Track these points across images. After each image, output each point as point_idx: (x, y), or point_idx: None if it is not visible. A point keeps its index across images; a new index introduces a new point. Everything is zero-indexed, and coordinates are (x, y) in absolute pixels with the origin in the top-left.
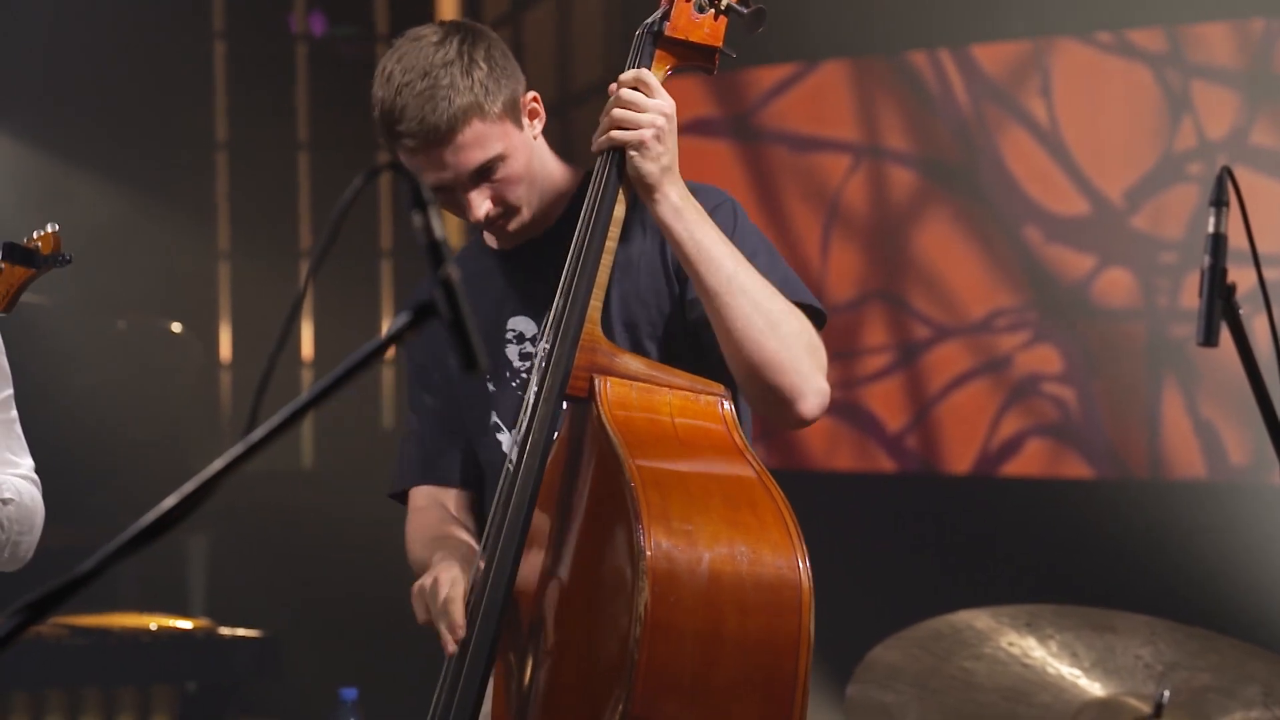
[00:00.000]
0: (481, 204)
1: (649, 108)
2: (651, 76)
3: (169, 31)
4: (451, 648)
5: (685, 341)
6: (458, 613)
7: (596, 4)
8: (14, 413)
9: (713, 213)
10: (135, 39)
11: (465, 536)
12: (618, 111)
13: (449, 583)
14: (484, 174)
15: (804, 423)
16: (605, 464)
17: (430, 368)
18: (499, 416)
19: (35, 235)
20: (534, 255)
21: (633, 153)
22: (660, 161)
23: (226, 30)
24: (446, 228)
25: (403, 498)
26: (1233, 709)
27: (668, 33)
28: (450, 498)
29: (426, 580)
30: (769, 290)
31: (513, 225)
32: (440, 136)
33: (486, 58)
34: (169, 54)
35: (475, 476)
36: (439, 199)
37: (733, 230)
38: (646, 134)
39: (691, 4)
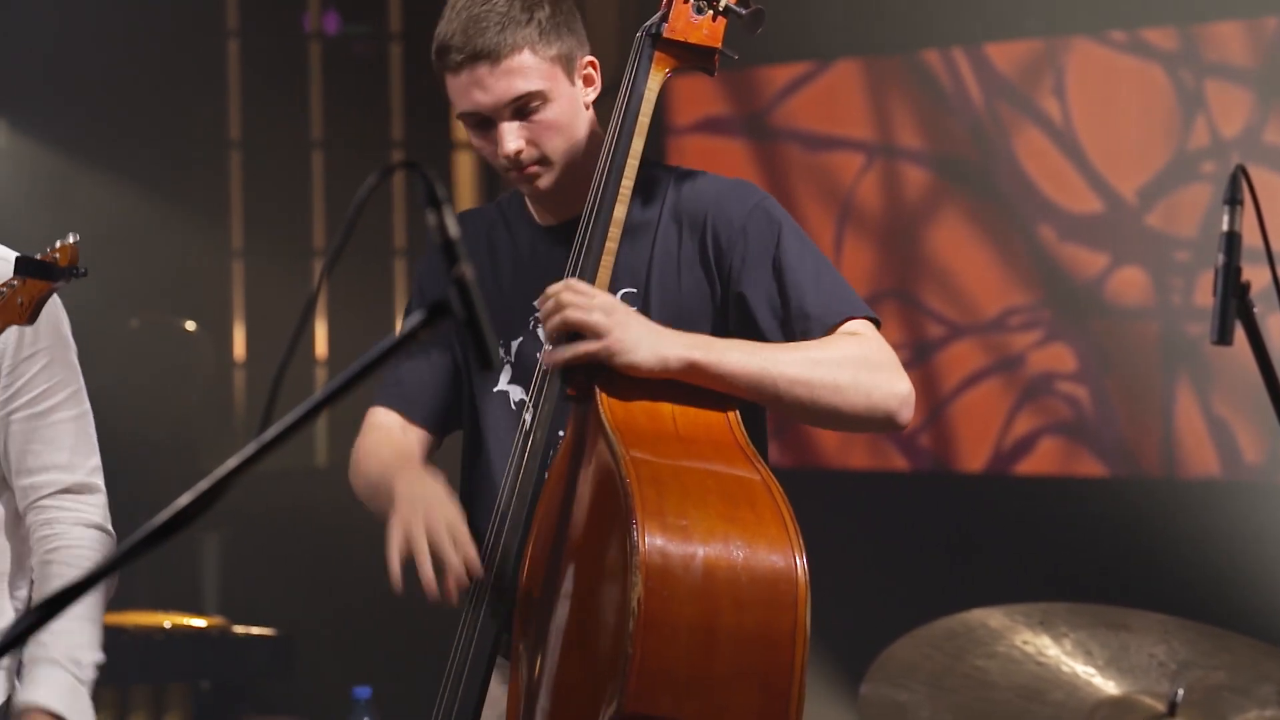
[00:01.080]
0: (513, 140)
1: (595, 308)
2: (577, 282)
3: (182, 29)
4: (448, 592)
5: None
6: (473, 555)
7: (610, 3)
8: (64, 412)
9: (747, 219)
10: (148, 37)
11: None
12: (571, 314)
13: (445, 524)
14: (522, 110)
15: (902, 428)
16: (604, 460)
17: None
18: (525, 394)
19: (56, 245)
20: (569, 234)
21: (614, 360)
22: (641, 345)
23: (240, 28)
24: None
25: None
26: (1247, 708)
27: (666, 35)
28: (415, 435)
29: (411, 515)
30: (811, 360)
31: (543, 180)
32: (487, 53)
33: (553, 3)
34: (182, 52)
35: (444, 422)
36: (474, 136)
37: (777, 239)
38: (610, 337)
39: (690, 5)
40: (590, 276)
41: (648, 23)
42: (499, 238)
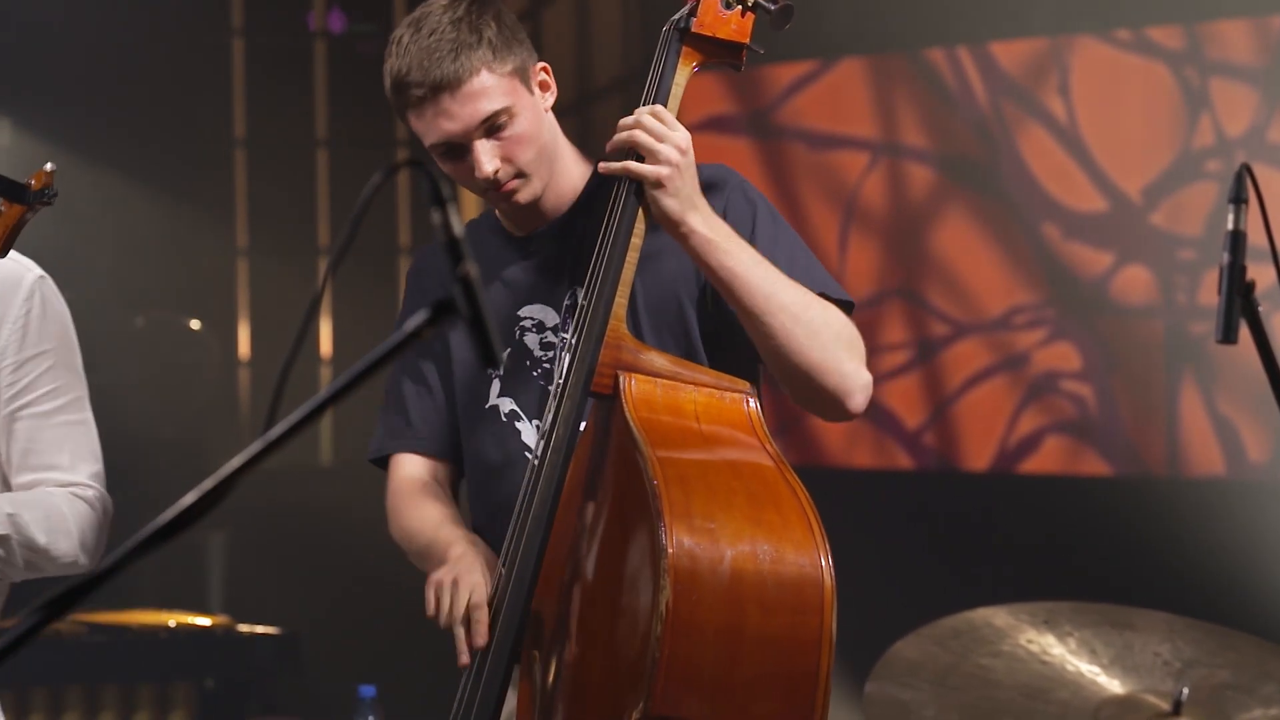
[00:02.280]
0: (490, 160)
1: (668, 139)
2: (667, 112)
3: (187, 28)
4: (465, 658)
5: (713, 324)
6: (483, 621)
7: (615, 1)
8: (68, 415)
9: (726, 198)
10: (152, 35)
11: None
12: (641, 136)
13: (471, 587)
14: (493, 129)
15: (852, 417)
16: (629, 461)
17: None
18: (519, 405)
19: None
20: (548, 242)
21: (653, 190)
22: (680, 195)
23: (245, 27)
24: (461, 204)
25: (384, 463)
26: (1252, 706)
27: (695, 29)
28: (440, 471)
29: (446, 576)
30: (803, 297)
31: (523, 195)
32: (448, 83)
33: (496, 20)
34: (187, 51)
35: (456, 452)
36: (448, 166)
37: (752, 219)
38: (665, 170)
39: (719, 0)
40: (616, 271)
41: (675, 16)
42: (473, 256)
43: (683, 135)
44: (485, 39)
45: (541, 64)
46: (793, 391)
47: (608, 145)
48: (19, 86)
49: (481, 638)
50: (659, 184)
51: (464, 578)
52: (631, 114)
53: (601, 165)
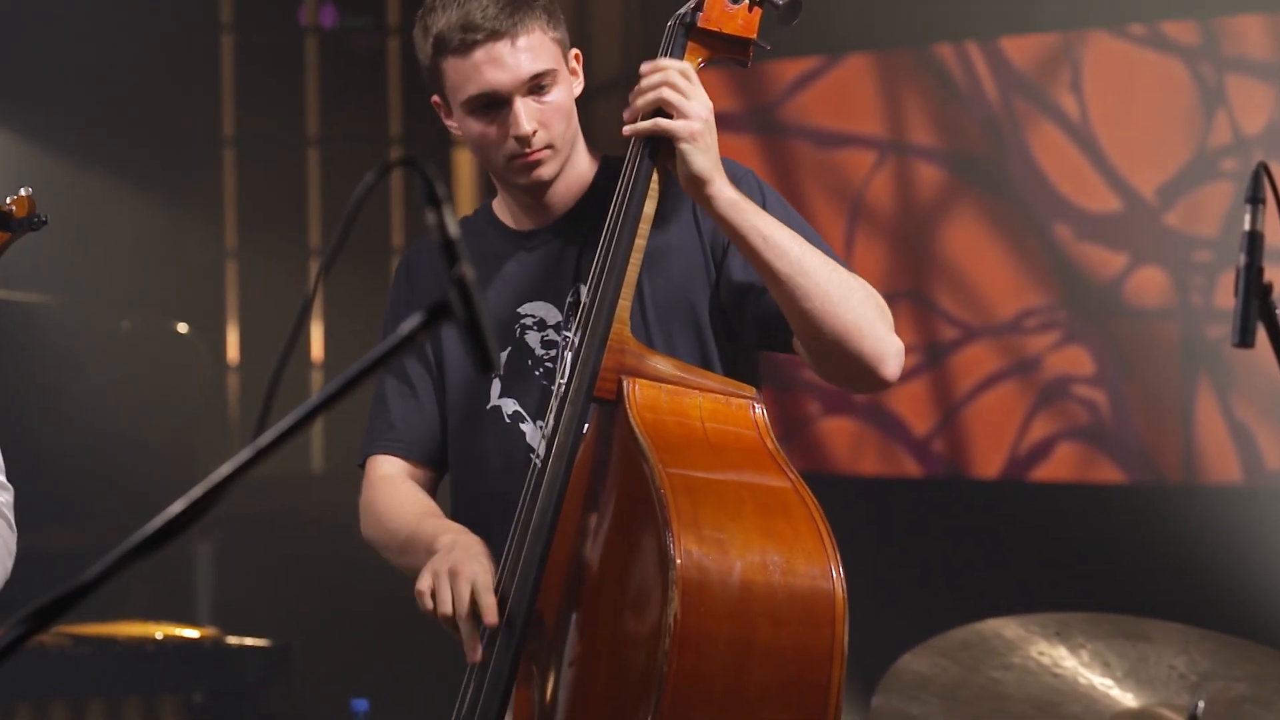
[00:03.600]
0: (529, 119)
1: (696, 97)
2: (693, 72)
3: (175, 24)
4: (477, 654)
5: (719, 325)
6: (491, 606)
7: None
8: None
9: (738, 185)
10: (140, 32)
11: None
12: (669, 94)
13: (473, 576)
14: (536, 89)
15: (886, 385)
16: (634, 468)
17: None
18: (521, 406)
19: (8, 200)
20: (551, 238)
21: (685, 144)
22: (710, 153)
23: (235, 22)
24: (457, 204)
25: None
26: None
27: (701, 24)
28: (418, 476)
29: (441, 565)
30: (830, 262)
31: (546, 169)
32: (506, 31)
33: None
34: (175, 47)
35: (445, 459)
36: (478, 123)
37: (763, 204)
38: (697, 125)
39: None
40: (620, 274)
41: (680, 11)
42: (472, 250)
43: (706, 97)
44: (541, 3)
45: (575, 50)
46: (823, 361)
47: (627, 113)
48: (3, 85)
49: (492, 617)
50: (692, 138)
51: (463, 566)
52: (649, 72)
53: (627, 128)
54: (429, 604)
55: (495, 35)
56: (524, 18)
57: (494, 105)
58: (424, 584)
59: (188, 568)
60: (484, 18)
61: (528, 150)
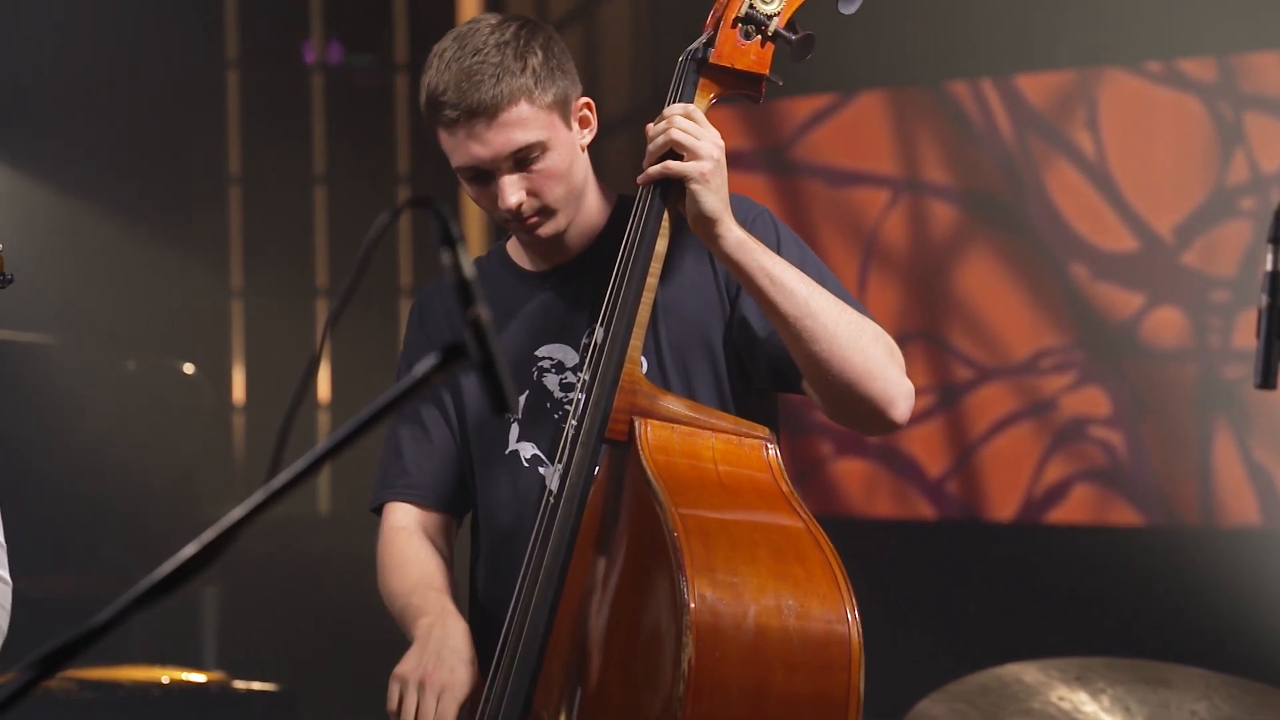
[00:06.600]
0: (514, 192)
1: (705, 138)
2: (699, 112)
3: (180, 60)
4: None
5: (735, 365)
6: (450, 716)
7: (624, 34)
8: None
9: (752, 224)
10: (145, 68)
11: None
12: (678, 135)
13: (440, 688)
14: (523, 161)
15: (896, 428)
16: (646, 510)
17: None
18: (541, 449)
19: None
20: (566, 280)
21: (695, 185)
22: (720, 193)
23: (240, 59)
24: (469, 243)
25: (381, 512)
26: None
27: (713, 60)
28: (431, 522)
29: (411, 673)
30: (839, 303)
31: (546, 229)
32: (484, 109)
33: (544, 48)
34: (180, 83)
35: (459, 502)
36: (473, 190)
37: (777, 243)
38: (707, 165)
39: (738, 30)
40: (631, 315)
41: (692, 46)
42: (487, 292)
43: (717, 135)
44: (529, 67)
45: (585, 99)
46: (832, 403)
47: (645, 160)
48: (7, 120)
49: None
50: (702, 178)
51: (432, 674)
52: (658, 120)
53: (640, 176)
54: (393, 708)
55: (473, 114)
56: (507, 89)
57: (482, 175)
58: (392, 699)
59: (193, 611)
60: (464, 93)
61: (521, 217)
